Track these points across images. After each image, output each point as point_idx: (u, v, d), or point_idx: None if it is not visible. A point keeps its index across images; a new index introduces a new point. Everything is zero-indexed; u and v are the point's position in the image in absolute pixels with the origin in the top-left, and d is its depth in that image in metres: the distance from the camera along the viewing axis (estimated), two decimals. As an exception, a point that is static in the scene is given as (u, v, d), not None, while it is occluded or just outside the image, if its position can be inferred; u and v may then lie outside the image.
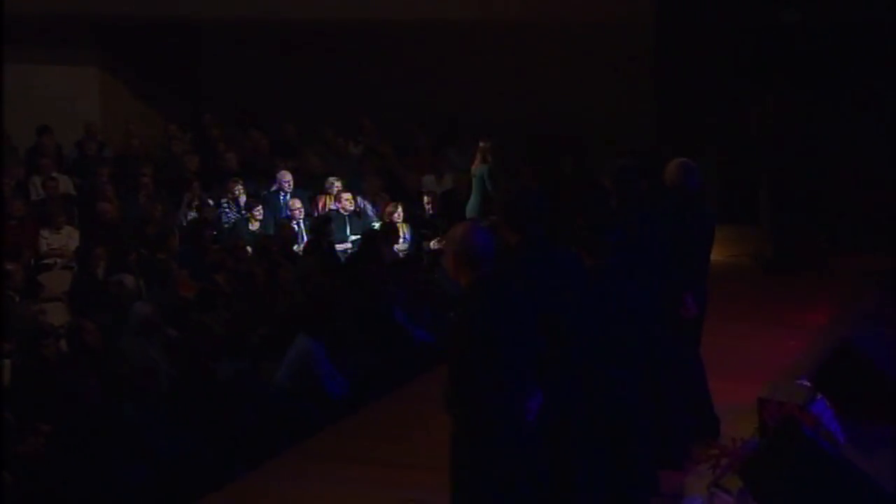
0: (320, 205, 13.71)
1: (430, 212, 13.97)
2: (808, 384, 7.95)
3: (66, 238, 12.44)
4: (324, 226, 12.63)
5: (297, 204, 13.28)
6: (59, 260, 12.22)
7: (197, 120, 16.03)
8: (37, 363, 8.73)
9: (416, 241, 12.93)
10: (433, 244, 13.18)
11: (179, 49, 16.68)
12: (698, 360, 7.74)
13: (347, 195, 13.45)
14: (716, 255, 9.52)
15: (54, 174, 13.75)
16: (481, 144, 13.76)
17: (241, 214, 13.46)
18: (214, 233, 12.73)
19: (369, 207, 13.86)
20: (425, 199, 13.98)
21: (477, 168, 13.75)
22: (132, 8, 15.40)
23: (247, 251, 11.84)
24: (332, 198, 13.60)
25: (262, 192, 13.92)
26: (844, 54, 13.98)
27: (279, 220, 13.01)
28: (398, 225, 12.86)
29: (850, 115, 13.62)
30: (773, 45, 14.31)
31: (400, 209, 13.07)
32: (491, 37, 15.99)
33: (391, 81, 16.03)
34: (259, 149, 15.26)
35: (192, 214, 13.26)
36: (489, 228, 5.28)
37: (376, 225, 13.12)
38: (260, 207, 13.23)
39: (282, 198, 13.65)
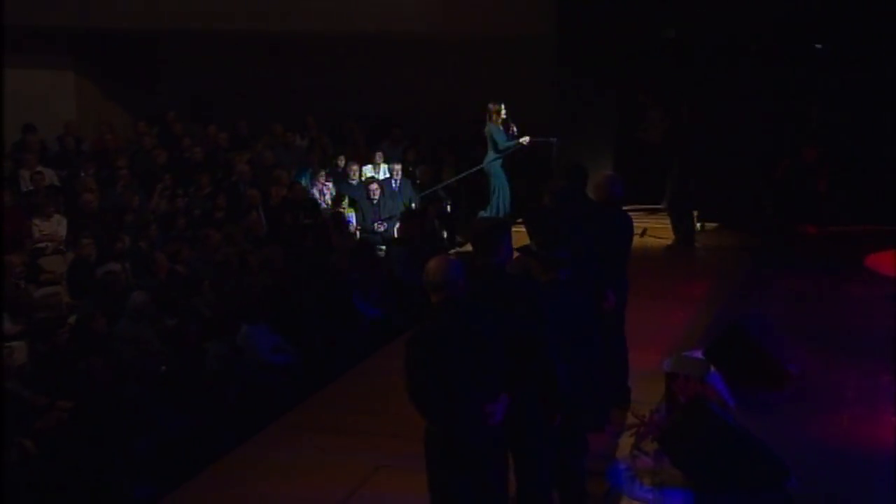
0: (273, 194, 13.39)
1: (376, 198, 13.75)
2: (703, 358, 8.19)
3: (56, 225, 12.14)
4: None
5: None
6: (50, 244, 11.86)
7: (161, 117, 15.73)
8: (49, 346, 8.58)
9: (364, 225, 12.77)
10: (377, 226, 13.26)
11: (144, 55, 16.38)
12: (621, 339, 7.78)
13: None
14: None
15: (40, 168, 13.42)
16: (490, 106, 13.73)
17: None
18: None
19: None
20: (372, 186, 13.78)
21: (488, 126, 13.77)
22: (103, 20, 15.11)
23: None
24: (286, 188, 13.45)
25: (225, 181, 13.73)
26: (714, 64, 14.28)
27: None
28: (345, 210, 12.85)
29: (722, 116, 13.78)
30: (654, 57, 14.55)
31: (347, 199, 13.06)
32: (416, 48, 16.01)
33: (330, 83, 15.94)
34: (218, 143, 15.03)
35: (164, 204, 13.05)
36: (458, 261, 5.19)
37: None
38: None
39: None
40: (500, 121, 13.76)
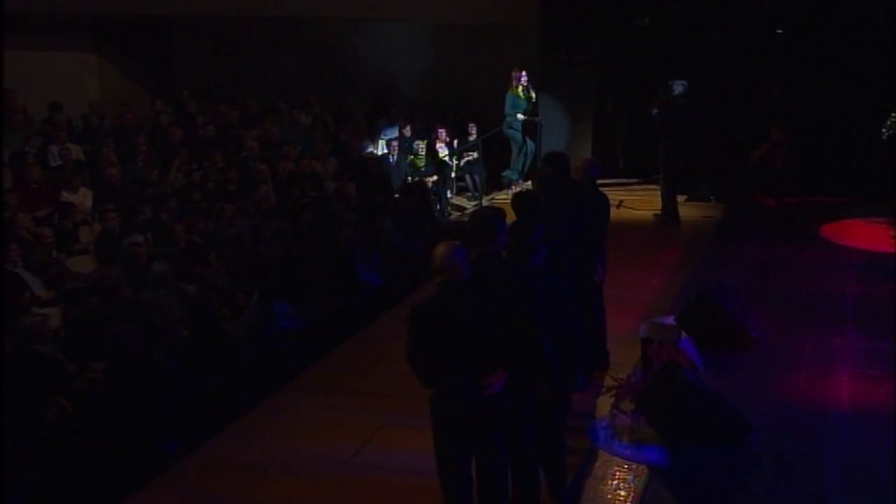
0: (280, 169, 13.28)
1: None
2: (675, 324, 8.30)
3: (82, 197, 12.02)
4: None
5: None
6: (79, 214, 11.68)
7: (177, 96, 15.64)
8: (80, 313, 8.55)
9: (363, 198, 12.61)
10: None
11: (161, 38, 16.24)
12: (601, 308, 7.85)
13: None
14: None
15: (68, 144, 13.26)
16: (514, 73, 14.00)
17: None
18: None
19: None
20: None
21: (510, 91, 14.04)
22: (123, 7, 14.97)
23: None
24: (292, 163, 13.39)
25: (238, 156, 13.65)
26: (684, 51, 14.28)
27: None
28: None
29: (694, 99, 13.65)
30: (628, 43, 14.56)
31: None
32: (410, 33, 15.97)
33: (332, 65, 15.80)
34: (229, 120, 14.89)
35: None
36: (462, 247, 5.19)
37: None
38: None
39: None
40: (518, 87, 13.81)
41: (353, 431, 7.07)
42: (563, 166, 7.47)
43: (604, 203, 7.93)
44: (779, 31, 14.20)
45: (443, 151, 14.53)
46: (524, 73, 14.06)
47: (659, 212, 13.04)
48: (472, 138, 14.72)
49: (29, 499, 6.51)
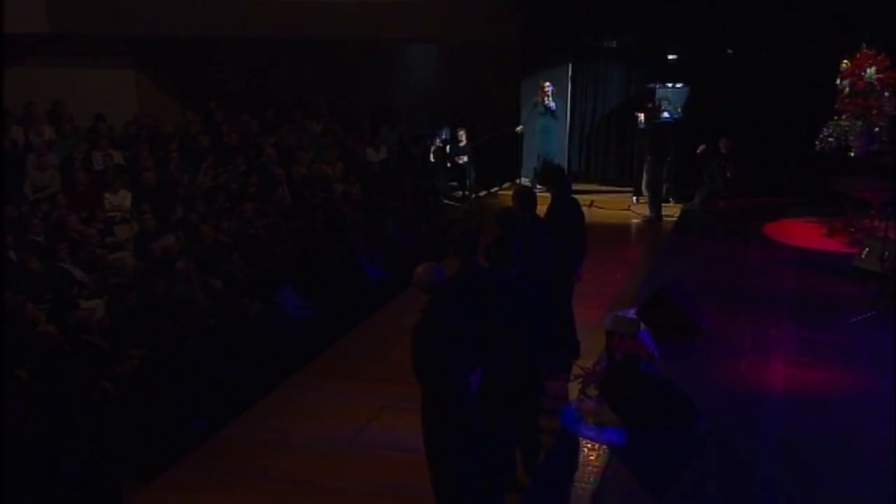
0: (294, 173, 13.25)
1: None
2: (635, 317, 8.35)
3: (122, 198, 12.01)
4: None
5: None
6: (118, 214, 11.83)
7: (205, 107, 15.62)
8: (122, 306, 8.61)
9: (368, 198, 12.61)
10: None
11: (191, 56, 16.17)
12: (569, 304, 7.83)
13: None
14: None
15: (110, 150, 13.30)
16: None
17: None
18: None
19: None
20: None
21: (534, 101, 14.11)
22: (158, 28, 14.90)
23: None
24: (305, 167, 13.39)
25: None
26: (646, 69, 14.30)
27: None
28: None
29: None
30: (599, 63, 14.58)
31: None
32: (407, 51, 15.96)
33: (339, 78, 15.78)
34: (250, 128, 14.86)
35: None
36: (438, 266, 5.20)
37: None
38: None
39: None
40: (542, 97, 13.89)
41: (356, 413, 7.11)
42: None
43: (579, 211, 7.86)
44: (729, 50, 14.20)
45: (437, 155, 14.57)
46: (548, 83, 14.01)
47: (647, 215, 12.95)
48: (461, 144, 14.73)
49: (78, 473, 6.56)
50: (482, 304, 5.42)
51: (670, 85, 13.69)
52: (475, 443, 5.33)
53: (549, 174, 7.71)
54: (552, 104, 13.96)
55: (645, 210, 13.14)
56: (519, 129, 14.45)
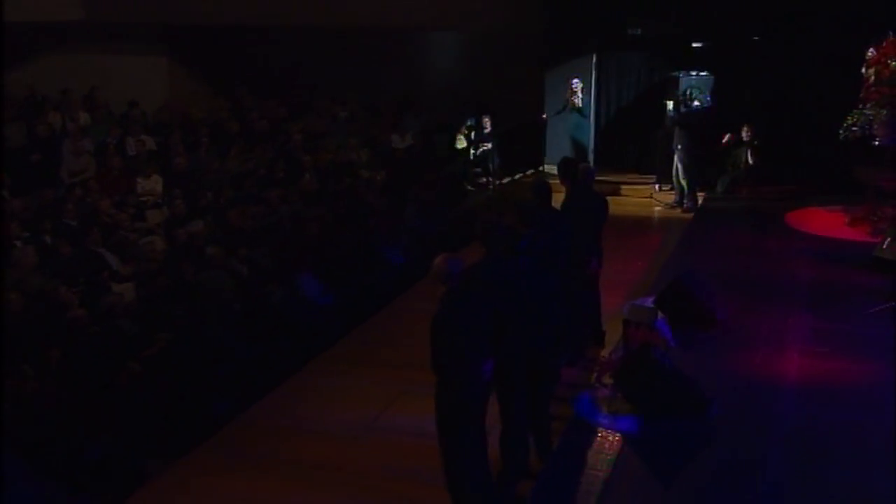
0: (321, 159, 13.33)
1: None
2: (653, 306, 8.33)
3: (154, 183, 12.18)
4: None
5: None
6: (150, 199, 12.00)
7: (234, 93, 15.71)
8: (151, 290, 8.74)
9: (391, 185, 12.65)
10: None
11: (221, 42, 16.26)
12: (597, 294, 7.94)
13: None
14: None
15: (142, 136, 13.41)
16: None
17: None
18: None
19: None
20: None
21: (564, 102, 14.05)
22: (190, 16, 14.96)
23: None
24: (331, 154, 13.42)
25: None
26: (671, 58, 14.17)
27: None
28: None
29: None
30: (622, 51, 14.44)
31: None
32: (431, 39, 15.95)
33: (365, 66, 15.79)
34: (278, 114, 14.96)
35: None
36: (456, 257, 5.26)
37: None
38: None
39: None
40: (570, 96, 13.81)
41: (375, 398, 7.16)
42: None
43: (600, 204, 7.89)
44: (755, 38, 14.03)
45: (461, 142, 14.58)
46: (576, 80, 13.85)
47: (686, 203, 12.82)
48: (486, 131, 14.72)
49: (103, 451, 6.69)
50: (494, 294, 5.44)
51: (694, 73, 13.56)
52: (485, 430, 5.35)
53: (561, 168, 7.70)
54: (580, 100, 13.83)
55: (667, 198, 13.05)
56: (544, 116, 14.38)
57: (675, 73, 13.59)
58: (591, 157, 13.66)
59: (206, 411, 7.20)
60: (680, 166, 12.91)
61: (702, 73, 13.61)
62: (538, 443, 6.19)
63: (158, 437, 6.85)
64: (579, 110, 13.94)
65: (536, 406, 6.16)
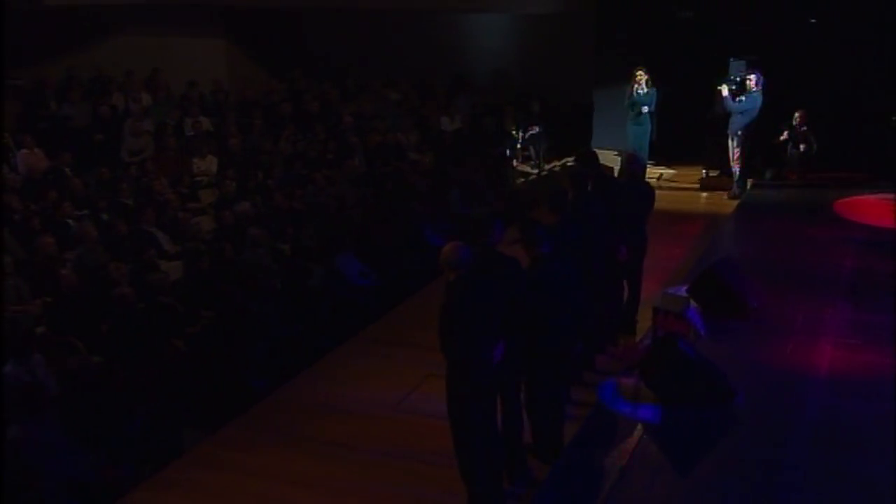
0: (370, 141, 13.27)
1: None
2: (686, 294, 8.25)
3: (209, 164, 12.40)
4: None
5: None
6: (204, 178, 12.23)
7: (289, 75, 15.88)
8: (196, 268, 8.91)
9: (437, 168, 12.59)
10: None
11: (276, 25, 16.44)
12: (636, 282, 7.86)
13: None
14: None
15: (200, 117, 13.64)
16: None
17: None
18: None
19: None
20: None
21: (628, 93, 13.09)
22: (246, 0, 15.24)
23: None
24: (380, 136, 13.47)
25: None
26: (723, 42, 13.83)
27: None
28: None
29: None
30: (672, 35, 14.16)
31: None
32: (483, 21, 15.86)
33: (418, 49, 15.80)
34: (331, 97, 15.06)
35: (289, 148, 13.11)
36: (466, 246, 5.27)
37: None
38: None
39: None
40: (634, 85, 12.96)
41: (403, 380, 7.22)
42: (593, 163, 7.47)
43: (647, 193, 7.81)
44: (812, 20, 13.62)
45: (510, 126, 14.51)
46: (641, 70, 13.20)
47: (734, 189, 12.54)
48: (534, 113, 14.62)
49: (145, 422, 6.91)
50: (508, 282, 5.45)
51: (746, 58, 13.19)
52: (493, 416, 5.39)
53: (583, 158, 7.62)
54: (643, 90, 13.33)
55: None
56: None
57: (728, 59, 13.24)
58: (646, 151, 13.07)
59: (243, 388, 7.36)
60: (738, 151, 12.54)
61: (754, 58, 13.25)
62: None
63: (196, 411, 7.02)
64: (641, 100, 13.36)
65: (551, 392, 6.13)
